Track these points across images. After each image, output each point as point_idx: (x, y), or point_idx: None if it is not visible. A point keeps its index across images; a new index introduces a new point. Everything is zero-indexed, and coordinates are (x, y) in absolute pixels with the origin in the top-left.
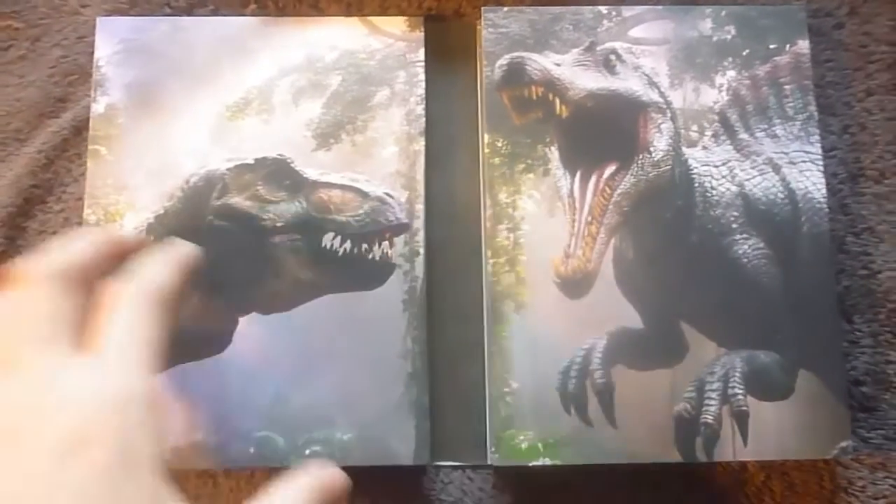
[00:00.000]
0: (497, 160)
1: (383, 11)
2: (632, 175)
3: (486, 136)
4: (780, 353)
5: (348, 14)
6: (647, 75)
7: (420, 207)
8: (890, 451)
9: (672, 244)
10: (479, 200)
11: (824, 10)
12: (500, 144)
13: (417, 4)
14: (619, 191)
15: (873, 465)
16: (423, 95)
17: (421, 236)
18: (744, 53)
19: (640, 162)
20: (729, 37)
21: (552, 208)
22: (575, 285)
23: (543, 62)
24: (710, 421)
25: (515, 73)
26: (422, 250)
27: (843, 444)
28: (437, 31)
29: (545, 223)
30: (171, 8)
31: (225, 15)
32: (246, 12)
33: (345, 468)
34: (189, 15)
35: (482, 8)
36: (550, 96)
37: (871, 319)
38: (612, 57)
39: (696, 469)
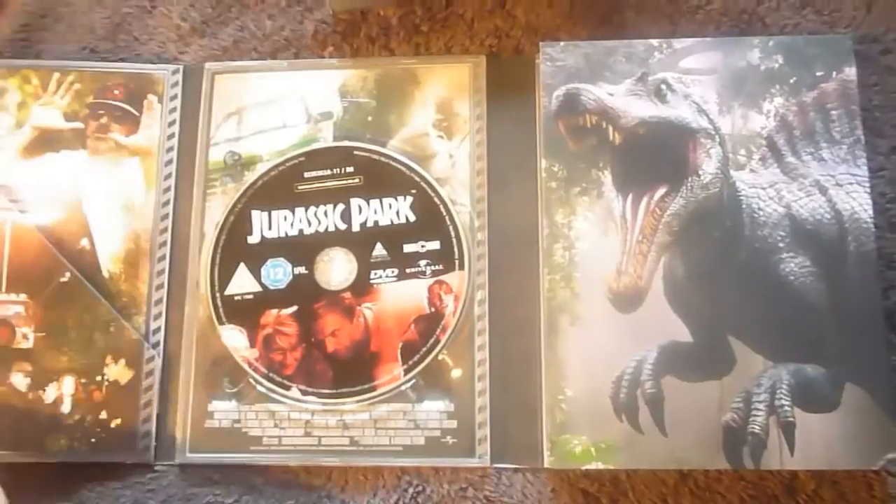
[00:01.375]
0: (554, 184)
1: (447, 51)
2: (681, 197)
3: (544, 162)
4: (827, 367)
5: (417, 53)
6: (696, 103)
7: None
8: None
9: (720, 262)
10: (538, 221)
11: (871, 36)
12: (556, 169)
13: (479, 42)
14: (669, 211)
15: None
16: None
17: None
18: (791, 81)
19: (689, 184)
20: (777, 65)
21: (605, 228)
22: (627, 300)
23: (598, 92)
24: (757, 431)
25: (571, 103)
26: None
27: (891, 455)
28: (498, 67)
29: (599, 242)
30: (257, 52)
31: (306, 58)
32: (325, 55)
33: None
34: (273, 58)
35: (540, 42)
36: (604, 124)
37: None
38: (663, 86)
39: (747, 476)
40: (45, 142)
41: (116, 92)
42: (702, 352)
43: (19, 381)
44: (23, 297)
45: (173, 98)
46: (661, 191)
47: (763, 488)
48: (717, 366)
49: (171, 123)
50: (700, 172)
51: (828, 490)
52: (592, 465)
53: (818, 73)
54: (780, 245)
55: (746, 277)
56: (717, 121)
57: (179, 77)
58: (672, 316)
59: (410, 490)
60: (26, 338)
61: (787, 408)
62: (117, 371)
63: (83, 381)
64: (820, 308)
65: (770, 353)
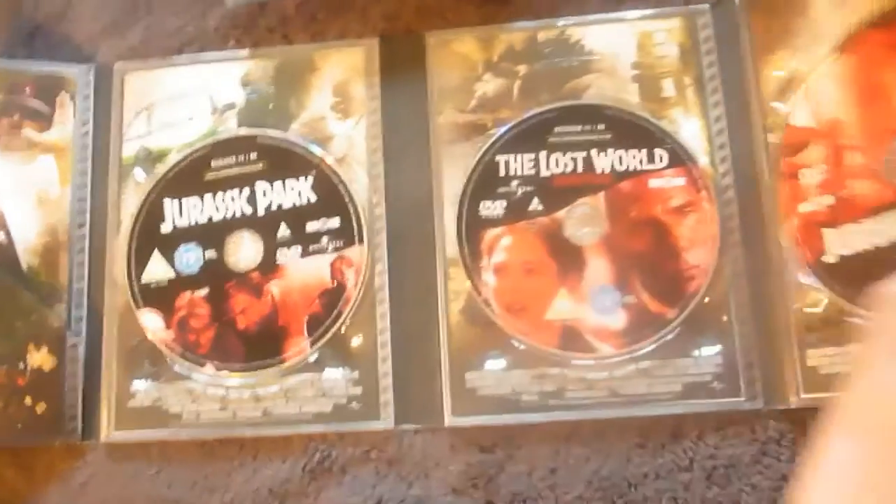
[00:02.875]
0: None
1: (342, 36)
2: None
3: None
4: None
5: (313, 40)
6: None
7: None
8: None
9: None
10: (432, 192)
11: None
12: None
13: (372, 27)
14: None
15: None
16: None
17: None
18: None
19: None
20: None
21: None
22: None
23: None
24: None
25: None
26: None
27: None
28: (390, 49)
29: None
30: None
31: (211, 50)
32: (227, 47)
33: None
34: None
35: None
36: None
37: None
38: None
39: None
40: None
41: (28, 90)
42: None
43: None
44: None
45: (86, 97)
46: None
47: None
48: None
49: (85, 122)
50: None
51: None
52: (489, 421)
53: None
54: None
55: None
56: None
57: (91, 76)
58: None
59: (317, 455)
60: None
61: None
62: (40, 358)
63: (5, 368)
64: None
65: None
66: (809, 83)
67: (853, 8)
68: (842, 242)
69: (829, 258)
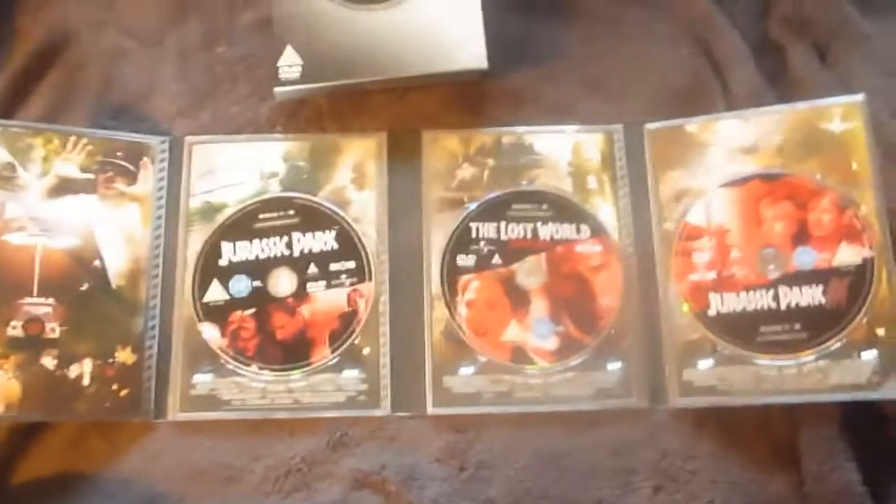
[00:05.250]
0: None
1: (362, 129)
2: None
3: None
4: None
5: (339, 130)
6: None
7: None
8: None
9: None
10: (422, 246)
11: None
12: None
13: (384, 123)
14: None
15: None
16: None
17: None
18: None
19: None
20: None
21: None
22: None
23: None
24: None
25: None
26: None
27: None
28: (396, 141)
29: None
30: (225, 130)
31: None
32: (274, 131)
33: None
34: (237, 133)
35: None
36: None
37: None
38: None
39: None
40: (65, 187)
41: (120, 153)
42: None
43: (48, 362)
44: (51, 300)
45: (162, 161)
46: None
47: None
48: None
49: (161, 179)
50: None
51: None
52: (460, 411)
53: None
54: None
55: None
56: None
57: (167, 146)
58: None
59: (337, 433)
60: (53, 331)
61: None
62: (125, 355)
63: (98, 362)
64: None
65: None
66: (705, 199)
67: (740, 163)
68: (722, 303)
69: (712, 312)
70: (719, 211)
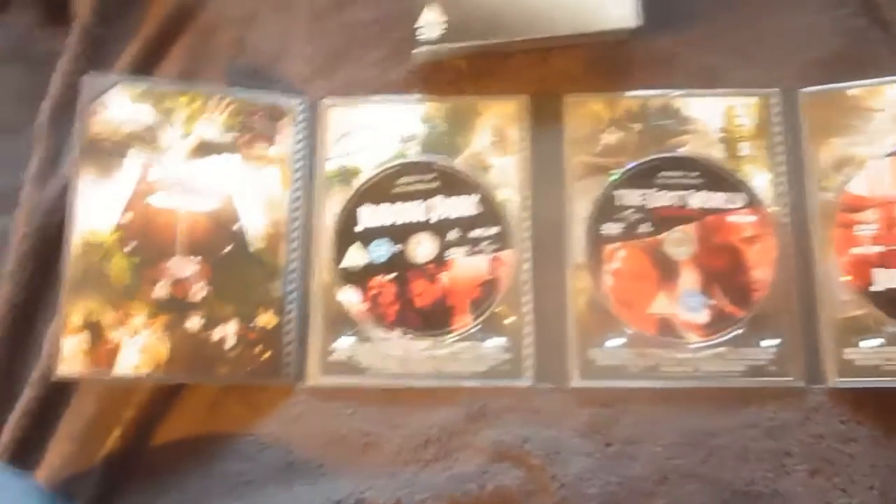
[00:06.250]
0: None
1: (502, 91)
2: None
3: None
4: None
5: (478, 93)
6: None
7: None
8: None
9: None
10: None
11: None
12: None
13: (526, 85)
14: None
15: None
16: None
17: None
18: None
19: None
20: None
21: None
22: None
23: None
24: None
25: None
26: None
27: None
28: (538, 104)
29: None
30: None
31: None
32: (412, 92)
33: None
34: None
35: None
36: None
37: None
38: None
39: None
40: (207, 147)
41: (258, 115)
42: None
43: (194, 323)
44: (198, 258)
45: (299, 123)
46: None
47: None
48: None
49: (299, 142)
50: None
51: None
52: (604, 384)
53: None
54: None
55: None
56: None
57: (305, 107)
58: None
59: (478, 405)
60: (198, 293)
61: None
62: (266, 318)
63: (241, 325)
64: None
65: None
66: (869, 168)
67: None
68: (889, 279)
69: (878, 288)
70: (885, 181)
